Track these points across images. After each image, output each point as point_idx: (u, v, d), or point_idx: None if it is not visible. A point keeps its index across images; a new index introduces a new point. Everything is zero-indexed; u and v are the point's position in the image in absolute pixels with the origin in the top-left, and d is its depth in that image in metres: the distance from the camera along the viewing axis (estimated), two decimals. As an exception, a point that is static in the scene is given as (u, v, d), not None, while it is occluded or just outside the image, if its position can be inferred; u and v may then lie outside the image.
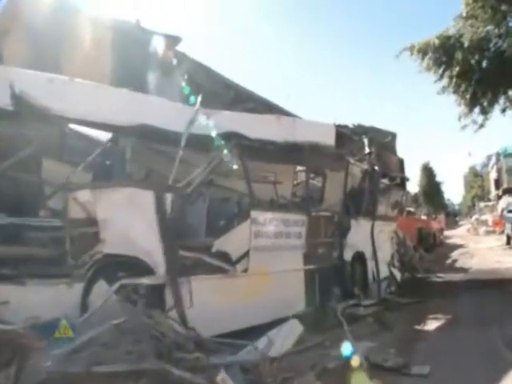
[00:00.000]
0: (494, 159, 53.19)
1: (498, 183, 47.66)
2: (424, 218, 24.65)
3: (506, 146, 46.18)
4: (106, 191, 5.26)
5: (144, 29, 11.72)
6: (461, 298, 9.02)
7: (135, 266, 5.31)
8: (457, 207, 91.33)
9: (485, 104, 13.94)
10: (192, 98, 7.08)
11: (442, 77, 13.85)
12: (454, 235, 35.86)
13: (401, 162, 12.23)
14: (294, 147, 7.95)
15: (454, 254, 19.65)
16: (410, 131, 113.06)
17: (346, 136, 9.49)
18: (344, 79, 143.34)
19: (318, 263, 8.37)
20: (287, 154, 8.18)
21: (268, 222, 7.25)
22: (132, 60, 10.59)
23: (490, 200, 51.19)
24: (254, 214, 7.00)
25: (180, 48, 12.06)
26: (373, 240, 9.92)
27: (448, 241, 30.01)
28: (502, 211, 29.02)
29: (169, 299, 5.66)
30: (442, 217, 36.57)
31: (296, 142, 7.94)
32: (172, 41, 11.87)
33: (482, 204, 48.80)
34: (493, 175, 53.95)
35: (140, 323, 4.22)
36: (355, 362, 4.99)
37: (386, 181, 11.89)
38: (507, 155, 45.44)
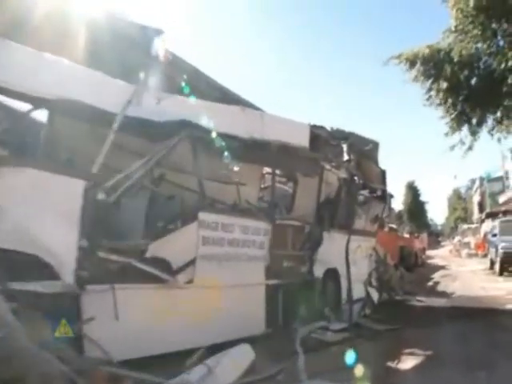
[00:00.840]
0: (477, 183, 53.44)
1: (481, 207, 47.68)
2: (406, 236, 23.68)
3: (489, 170, 46.40)
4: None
5: (126, 20, 10.62)
6: (443, 329, 7.85)
7: (35, 266, 4.15)
8: (439, 227, 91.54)
9: (473, 122, 13.44)
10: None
11: (430, 90, 13.40)
12: (436, 255, 35.07)
13: (383, 174, 11.18)
14: (261, 145, 6.97)
15: (436, 276, 18.60)
16: (395, 149, 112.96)
17: (322, 139, 8.44)
18: (328, 87, 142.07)
19: (283, 278, 7.33)
20: (252, 153, 7.15)
21: (221, 226, 6.18)
22: (112, 51, 9.50)
23: (472, 222, 51.16)
24: (203, 216, 5.93)
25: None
26: (347, 256, 8.84)
27: (430, 261, 29.18)
28: (485, 235, 28.67)
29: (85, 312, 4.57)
30: (424, 236, 35.69)
31: (263, 139, 6.97)
32: (154, 33, 10.79)
33: (464, 226, 48.46)
34: (476, 198, 54.09)
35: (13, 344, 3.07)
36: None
37: (365, 192, 10.90)
38: (491, 180, 45.69)
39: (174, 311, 5.51)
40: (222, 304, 6.17)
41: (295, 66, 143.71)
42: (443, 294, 12.63)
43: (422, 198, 66.38)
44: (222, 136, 6.33)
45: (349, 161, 9.61)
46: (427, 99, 13.31)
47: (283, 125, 7.64)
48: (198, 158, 6.21)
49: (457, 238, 43.43)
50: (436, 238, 64.86)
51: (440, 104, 13.25)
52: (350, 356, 5.35)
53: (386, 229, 20.49)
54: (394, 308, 10.17)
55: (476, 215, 53.66)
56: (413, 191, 64.26)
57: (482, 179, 51.21)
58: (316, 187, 8.44)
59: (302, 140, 7.77)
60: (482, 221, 38.31)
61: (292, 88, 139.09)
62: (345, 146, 9.53)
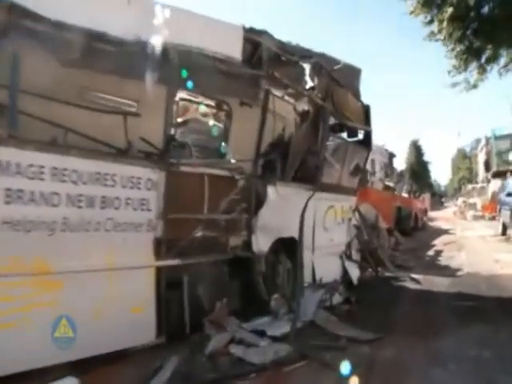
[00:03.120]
0: (483, 141, 51.59)
1: (487, 166, 45.74)
2: (405, 195, 20.79)
3: (496, 128, 44.24)
4: None
5: None
6: (448, 343, 4.65)
7: None
8: (443, 188, 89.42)
9: (483, 59, 11.42)
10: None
11: (431, 22, 11.15)
12: (439, 217, 32.11)
13: (366, 111, 8.30)
14: (154, 51, 4.36)
15: (438, 242, 15.64)
16: (397, 106, 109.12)
17: (268, 51, 5.66)
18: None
19: (192, 257, 4.73)
20: (143, 64, 4.47)
21: (51, 173, 3.53)
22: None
23: (477, 183, 49.35)
24: (5, 153, 3.26)
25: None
26: (302, 219, 6.03)
27: (432, 223, 26.37)
28: (494, 195, 26.52)
29: None
30: (427, 196, 32.75)
31: (158, 41, 4.37)
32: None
33: (469, 186, 45.93)
34: (481, 158, 52.21)
35: None
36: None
37: (341, 135, 8.12)
38: (497, 138, 43.73)
39: None
40: (63, 301, 3.69)
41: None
42: (446, 270, 9.64)
43: (426, 157, 64.60)
44: (84, 34, 3.87)
45: (313, 88, 6.81)
46: (430, 34, 11.19)
47: (196, 23, 4.92)
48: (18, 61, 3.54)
49: (461, 199, 40.87)
50: (439, 198, 62.56)
51: (444, 39, 11.03)
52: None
53: (379, 186, 17.78)
54: (378, 292, 7.36)
55: (481, 175, 51.53)
56: (416, 150, 62.13)
57: (487, 138, 48.98)
58: (258, 122, 5.69)
59: (231, 48, 5.18)
60: (489, 180, 36.11)
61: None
62: (307, 68, 6.70)
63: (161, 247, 4.38)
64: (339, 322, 5.32)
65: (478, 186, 41.29)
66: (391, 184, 20.63)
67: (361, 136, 8.31)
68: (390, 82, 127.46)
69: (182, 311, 4.63)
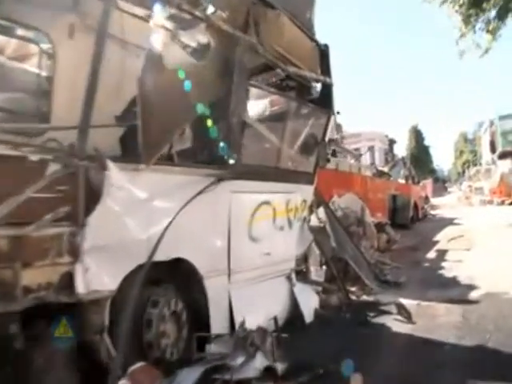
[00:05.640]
0: (486, 123, 51.24)
1: (492, 147, 45.14)
2: (401, 181, 18.09)
3: (500, 108, 44.32)
4: None
5: None
6: None
7: None
8: (446, 173, 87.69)
9: (491, 16, 10.67)
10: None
11: None
12: (443, 205, 29.27)
13: (322, 53, 5.64)
14: None
15: (441, 237, 12.46)
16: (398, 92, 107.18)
17: None
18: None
19: None
20: None
21: None
22: None
23: (481, 165, 48.25)
24: None
25: None
26: (167, 227, 3.31)
27: (435, 212, 23.58)
28: (503, 177, 25.22)
29: None
30: (428, 182, 30.24)
31: None
32: None
33: (473, 169, 43.87)
34: (486, 139, 52.31)
35: None
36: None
37: (284, 90, 5.46)
38: (502, 117, 43.51)
39: None
40: None
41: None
42: (453, 288, 6.33)
43: (427, 142, 63.47)
44: None
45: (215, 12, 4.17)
46: None
47: None
48: None
49: (465, 184, 38.58)
50: (443, 183, 60.61)
51: None
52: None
53: (368, 171, 15.17)
54: (336, 344, 4.23)
55: (486, 157, 50.34)
56: (416, 135, 60.86)
57: (491, 120, 48.35)
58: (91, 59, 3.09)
59: None
60: (494, 162, 34.78)
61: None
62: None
63: None
64: None
65: (483, 168, 39.65)
66: (385, 169, 18.06)
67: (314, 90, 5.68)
68: (390, 66, 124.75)
69: None
